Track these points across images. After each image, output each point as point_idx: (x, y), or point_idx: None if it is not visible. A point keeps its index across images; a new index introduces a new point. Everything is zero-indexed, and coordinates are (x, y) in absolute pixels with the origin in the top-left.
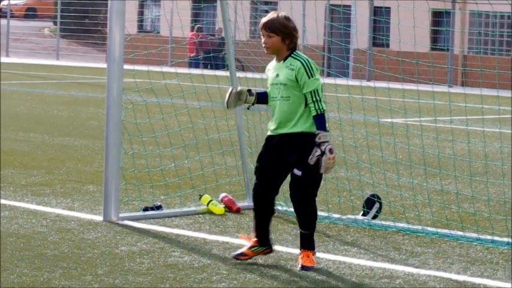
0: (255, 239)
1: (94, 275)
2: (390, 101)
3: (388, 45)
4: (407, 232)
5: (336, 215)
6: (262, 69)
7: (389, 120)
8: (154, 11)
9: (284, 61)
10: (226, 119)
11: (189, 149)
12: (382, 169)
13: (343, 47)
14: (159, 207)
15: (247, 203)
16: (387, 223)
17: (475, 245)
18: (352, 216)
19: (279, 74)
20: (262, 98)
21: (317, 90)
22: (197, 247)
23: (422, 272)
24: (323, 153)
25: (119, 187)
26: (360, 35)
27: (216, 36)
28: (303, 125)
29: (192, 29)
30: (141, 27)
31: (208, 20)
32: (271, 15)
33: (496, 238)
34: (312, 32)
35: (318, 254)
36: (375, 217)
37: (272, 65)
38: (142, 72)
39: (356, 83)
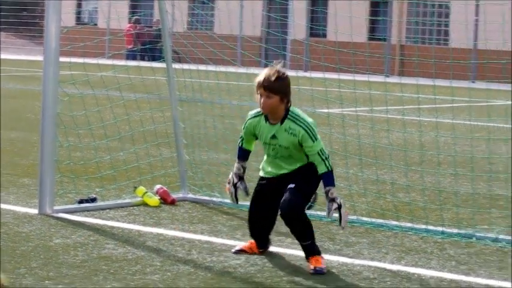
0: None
1: (28, 267)
2: (326, 91)
3: (325, 36)
4: None
5: None
6: (198, 61)
7: (326, 110)
8: (91, 3)
9: (281, 123)
10: (162, 110)
11: (125, 141)
12: None
13: (280, 37)
14: (94, 200)
15: (182, 194)
16: (322, 213)
17: (410, 235)
18: None
19: (277, 136)
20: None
21: (322, 149)
22: (131, 239)
23: (357, 261)
24: (340, 206)
25: (54, 180)
26: (297, 26)
27: (154, 27)
28: (303, 164)
29: (130, 20)
30: (78, 20)
31: (146, 12)
32: (270, 73)
33: (431, 227)
34: (249, 22)
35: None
36: (309, 207)
37: (263, 125)
38: (78, 65)
39: (292, 73)
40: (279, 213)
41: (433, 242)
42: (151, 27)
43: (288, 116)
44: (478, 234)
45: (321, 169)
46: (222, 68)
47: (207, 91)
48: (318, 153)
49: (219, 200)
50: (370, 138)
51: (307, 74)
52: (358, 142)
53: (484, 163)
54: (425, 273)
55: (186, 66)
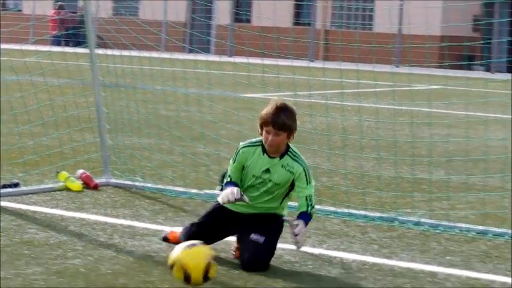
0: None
1: None
2: (250, 76)
3: (249, 21)
4: None
5: (194, 190)
6: (122, 46)
7: (249, 95)
8: None
9: (280, 158)
10: (85, 95)
11: (48, 126)
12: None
13: (204, 23)
14: (16, 185)
15: (104, 179)
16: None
17: (332, 218)
18: (210, 191)
19: (271, 171)
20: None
21: (312, 195)
22: (53, 224)
23: (279, 245)
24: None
25: None
26: (222, 11)
27: (78, 13)
28: (277, 211)
29: (54, 6)
30: (4, 6)
31: None
32: (278, 109)
33: (353, 211)
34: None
35: (171, 228)
36: None
37: (259, 156)
38: (2, 51)
39: (216, 58)
40: (242, 265)
41: (355, 226)
42: (75, 12)
43: (288, 153)
44: (400, 217)
45: (302, 208)
46: (146, 53)
47: (130, 76)
48: (306, 198)
49: (142, 184)
50: None
51: (231, 59)
52: None
53: (407, 147)
54: (348, 256)
55: (109, 51)
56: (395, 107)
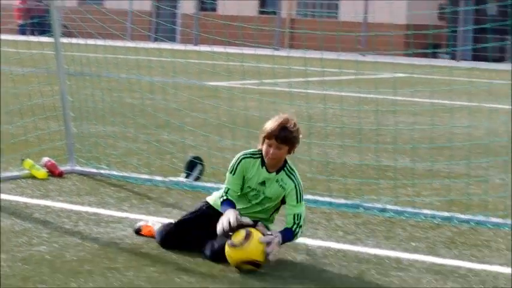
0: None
1: None
2: (215, 65)
3: (214, 10)
4: None
5: (159, 178)
6: (87, 35)
7: (214, 83)
8: None
9: (277, 173)
10: (50, 84)
11: (13, 114)
12: (205, 132)
13: (170, 11)
14: None
15: (69, 167)
16: (209, 185)
17: None
18: (175, 179)
19: (266, 185)
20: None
21: (301, 214)
22: (18, 211)
23: None
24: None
25: None
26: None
27: (44, 2)
28: (265, 223)
29: None
30: None
31: None
32: (282, 124)
33: (318, 198)
34: None
35: (137, 216)
36: (197, 179)
37: (257, 169)
38: None
39: (181, 47)
40: (208, 254)
41: (320, 213)
42: (41, 1)
43: (284, 168)
44: (365, 204)
45: (288, 225)
46: (110, 42)
47: (95, 65)
48: (294, 216)
49: (107, 172)
50: (258, 111)
51: (197, 48)
52: (245, 114)
53: (372, 134)
54: (312, 243)
55: (74, 40)
56: (361, 95)
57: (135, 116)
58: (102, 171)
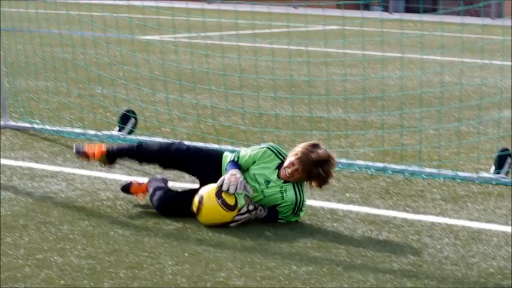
0: (105, 151)
1: None
2: (145, 19)
3: None
4: None
5: (92, 132)
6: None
7: (145, 37)
8: None
9: (285, 182)
10: None
11: None
12: (137, 85)
13: None
14: None
15: (3, 122)
16: (142, 138)
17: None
18: (108, 132)
19: (269, 186)
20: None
21: (295, 222)
22: None
23: (178, 184)
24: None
25: None
26: None
27: None
28: None
29: None
30: None
31: None
32: (319, 155)
33: None
34: None
35: (72, 170)
36: (130, 132)
37: (272, 168)
38: None
39: (111, 2)
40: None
41: None
42: None
43: (295, 183)
44: None
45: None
46: None
47: (26, 20)
48: (288, 222)
49: (40, 126)
50: (190, 64)
51: (126, 2)
52: (177, 67)
53: (305, 86)
54: None
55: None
56: (292, 47)
57: (68, 71)
58: (35, 126)
